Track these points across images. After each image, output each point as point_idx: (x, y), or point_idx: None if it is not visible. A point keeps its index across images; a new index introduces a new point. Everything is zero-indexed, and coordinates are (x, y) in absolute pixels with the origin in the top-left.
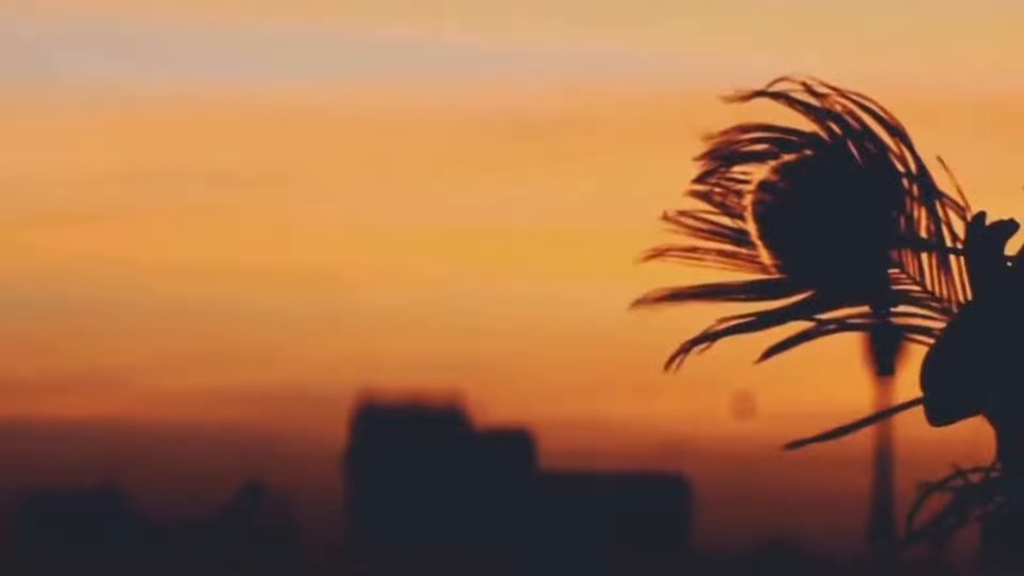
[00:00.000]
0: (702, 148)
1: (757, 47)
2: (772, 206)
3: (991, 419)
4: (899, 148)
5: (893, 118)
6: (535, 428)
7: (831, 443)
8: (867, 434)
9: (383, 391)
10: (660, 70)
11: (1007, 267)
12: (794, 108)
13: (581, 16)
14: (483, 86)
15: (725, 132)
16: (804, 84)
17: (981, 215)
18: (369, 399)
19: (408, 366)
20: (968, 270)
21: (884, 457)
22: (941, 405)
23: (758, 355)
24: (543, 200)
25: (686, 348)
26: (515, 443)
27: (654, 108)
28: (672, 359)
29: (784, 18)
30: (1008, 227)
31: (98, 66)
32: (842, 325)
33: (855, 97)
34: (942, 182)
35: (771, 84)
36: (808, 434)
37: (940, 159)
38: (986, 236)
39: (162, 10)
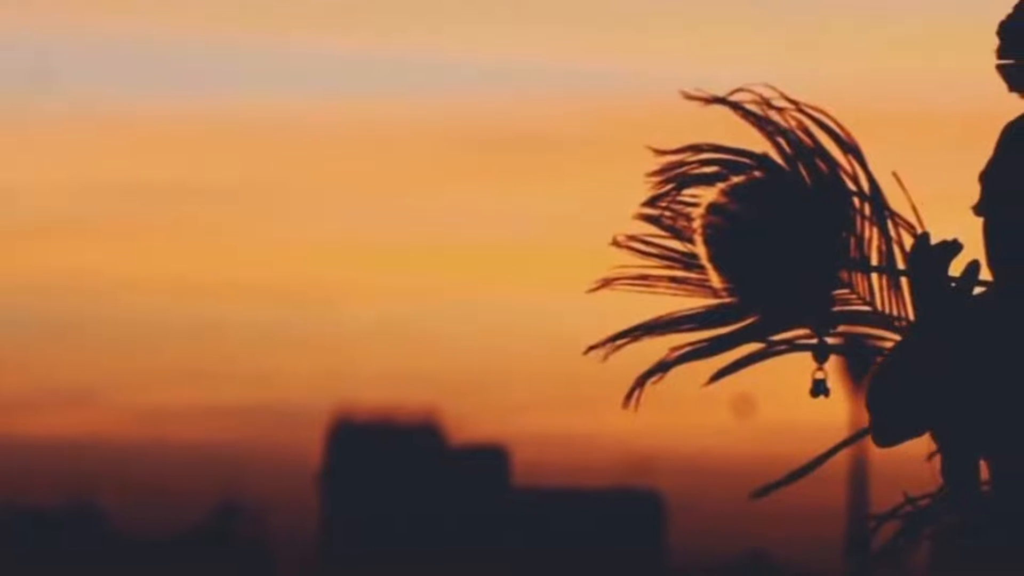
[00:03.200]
0: (654, 165)
1: (727, 64)
2: (721, 228)
3: (936, 440)
4: (852, 166)
5: (848, 135)
6: (510, 444)
7: (805, 458)
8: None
9: (358, 407)
10: (634, 86)
11: (951, 288)
12: (748, 121)
13: (554, 32)
14: (459, 101)
15: (677, 151)
16: (761, 97)
17: (924, 236)
18: (344, 415)
19: (383, 382)
20: (912, 291)
21: (860, 471)
22: (887, 427)
23: (707, 379)
24: (519, 216)
25: (641, 382)
26: (490, 459)
27: (628, 124)
28: (629, 395)
29: (756, 34)
30: (951, 248)
31: (61, 80)
32: (792, 346)
33: (812, 112)
34: (898, 199)
35: (731, 93)
36: (780, 450)
37: (896, 175)
38: (930, 257)
39: (126, 23)
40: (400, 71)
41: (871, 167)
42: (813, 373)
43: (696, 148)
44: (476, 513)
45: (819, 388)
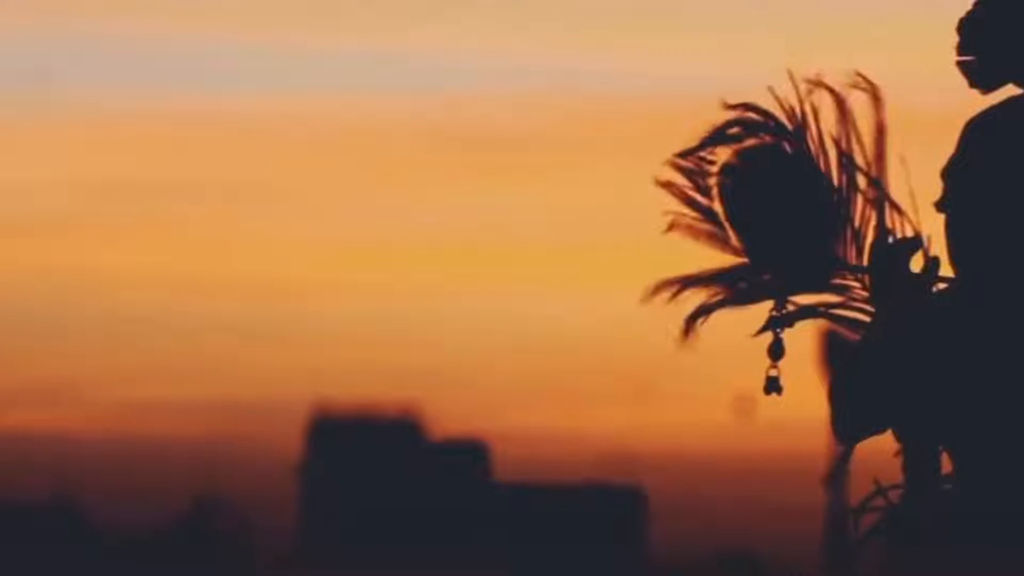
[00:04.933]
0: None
1: (712, 63)
2: (732, 189)
3: (898, 436)
4: (864, 147)
5: (882, 120)
6: (490, 439)
7: (786, 454)
8: (822, 444)
9: (337, 403)
10: (616, 86)
11: (910, 284)
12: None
13: (542, 31)
14: (440, 99)
15: (733, 107)
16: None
17: (886, 231)
18: (323, 411)
19: (362, 377)
20: (871, 287)
21: (838, 468)
22: (848, 423)
23: (756, 332)
24: (498, 213)
25: (690, 322)
26: (470, 454)
27: (610, 123)
28: (685, 331)
29: (743, 35)
30: (911, 244)
31: (43, 78)
32: (810, 312)
33: (868, 87)
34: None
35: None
36: (764, 445)
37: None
38: (889, 253)
39: (111, 21)
40: (382, 70)
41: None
42: (767, 370)
43: (743, 107)
44: (456, 508)
45: (772, 386)
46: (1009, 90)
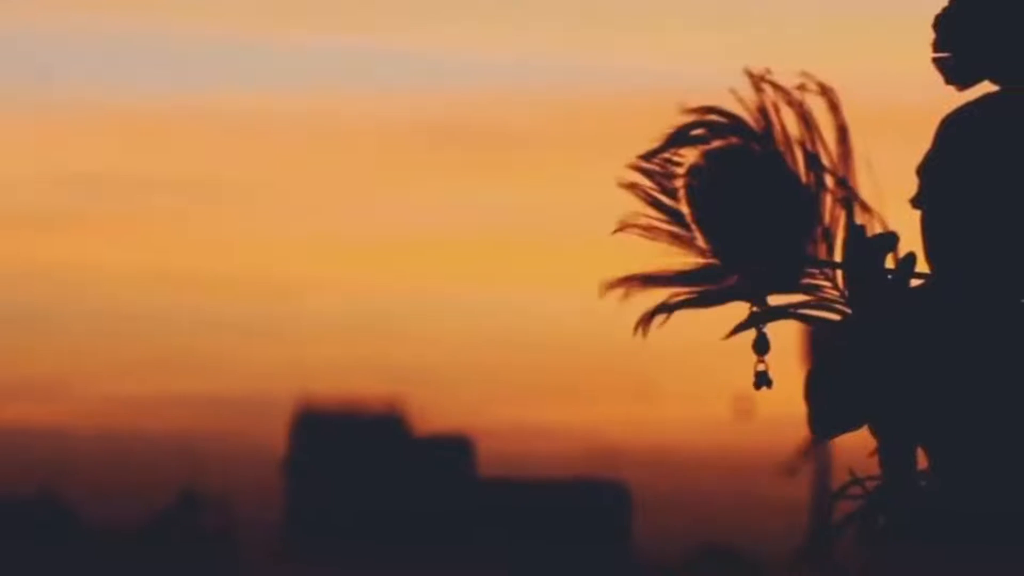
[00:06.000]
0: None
1: (696, 58)
2: (699, 190)
3: (874, 432)
4: (828, 146)
5: (842, 120)
6: (474, 434)
7: (769, 448)
8: (806, 440)
9: (322, 397)
10: (598, 81)
11: (886, 281)
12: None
13: (521, 27)
14: (425, 96)
15: (692, 110)
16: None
17: (860, 228)
18: (308, 405)
19: (347, 372)
20: (847, 284)
21: (822, 462)
22: (824, 419)
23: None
24: (482, 208)
25: (647, 320)
26: (454, 449)
27: (592, 119)
28: (641, 327)
29: (715, 27)
30: (887, 240)
31: (29, 70)
32: (781, 312)
33: (820, 90)
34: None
35: (760, 75)
36: (746, 442)
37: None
38: (864, 249)
39: (100, 14)
40: (365, 65)
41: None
42: (755, 365)
43: (706, 108)
44: (440, 504)
45: (762, 380)
46: (985, 87)
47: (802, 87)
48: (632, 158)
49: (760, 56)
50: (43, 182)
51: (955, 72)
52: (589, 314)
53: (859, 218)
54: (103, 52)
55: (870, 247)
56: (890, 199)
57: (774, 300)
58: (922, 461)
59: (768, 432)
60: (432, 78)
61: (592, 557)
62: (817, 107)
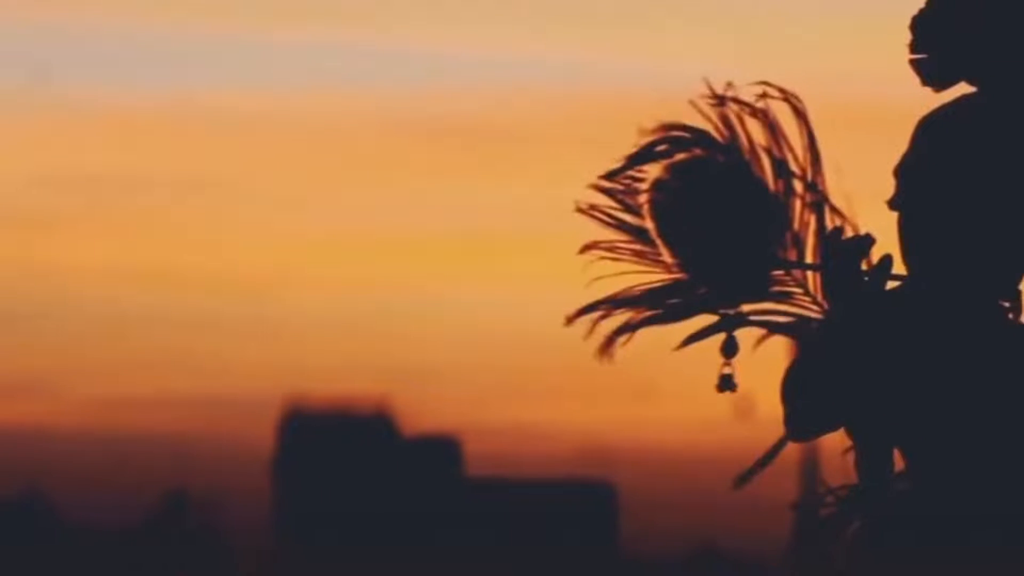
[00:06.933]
0: (632, 147)
1: (683, 53)
2: (664, 205)
3: (850, 434)
4: (795, 152)
5: (807, 123)
6: (463, 434)
7: (762, 449)
8: (772, 445)
9: (310, 397)
10: (589, 78)
11: (863, 282)
12: (709, 109)
13: (516, 22)
14: (415, 92)
15: (653, 129)
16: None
17: (837, 230)
18: (296, 405)
19: (336, 372)
20: (824, 286)
21: (810, 462)
22: (801, 421)
23: (674, 347)
24: (471, 207)
25: (611, 340)
26: (443, 450)
27: (583, 116)
28: (603, 351)
29: (709, 24)
30: (863, 242)
31: (19, 70)
32: (744, 320)
33: (782, 96)
34: (834, 190)
35: (724, 89)
36: (733, 442)
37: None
38: (841, 251)
39: (85, 12)
40: (353, 63)
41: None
42: (720, 368)
43: (667, 126)
44: (428, 504)
45: (726, 383)
46: (962, 88)
47: (764, 95)
48: (618, 155)
49: (767, 55)
50: (27, 182)
51: (932, 73)
52: (583, 320)
53: (829, 221)
54: (90, 51)
55: (847, 250)
56: (877, 200)
57: (744, 309)
58: (899, 463)
59: (761, 433)
60: (424, 75)
61: (579, 556)
62: (783, 113)
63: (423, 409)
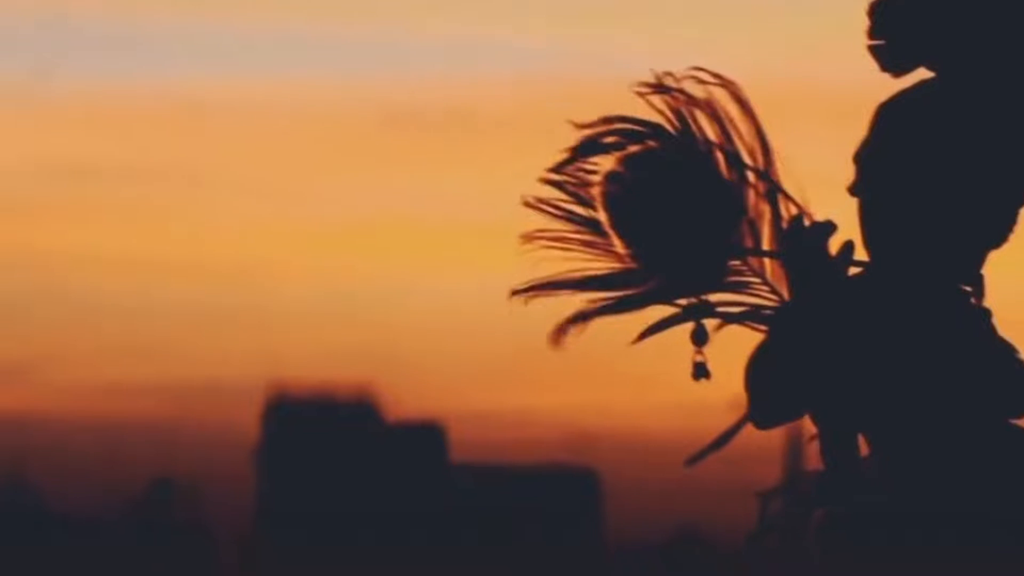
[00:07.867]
0: (574, 138)
1: (647, 41)
2: (617, 196)
3: (814, 421)
4: (745, 141)
5: (751, 111)
6: (446, 421)
7: (746, 435)
8: (724, 430)
9: (293, 384)
10: (566, 65)
11: (825, 269)
12: (653, 98)
13: (488, 9)
14: (391, 80)
15: (591, 123)
16: (669, 75)
17: (798, 217)
18: (280, 392)
19: (318, 359)
20: (786, 272)
21: (794, 449)
22: (764, 409)
23: (636, 338)
24: (452, 194)
25: (563, 330)
26: (426, 436)
27: (560, 103)
28: (554, 337)
29: (672, 12)
30: (825, 229)
31: (6, 61)
32: (696, 311)
33: (719, 83)
34: (790, 179)
35: (661, 77)
36: (718, 427)
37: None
38: (803, 238)
39: (70, 4)
40: (332, 50)
41: (771, 148)
42: (693, 356)
43: (607, 119)
44: (412, 490)
45: (700, 371)
46: (920, 73)
47: (700, 81)
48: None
49: (764, 53)
50: (11, 170)
51: (890, 59)
52: (562, 300)
53: (784, 210)
54: (75, 43)
55: (808, 236)
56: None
57: (705, 299)
58: (863, 450)
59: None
60: (403, 63)
61: (562, 542)
62: (728, 102)
63: (407, 396)
